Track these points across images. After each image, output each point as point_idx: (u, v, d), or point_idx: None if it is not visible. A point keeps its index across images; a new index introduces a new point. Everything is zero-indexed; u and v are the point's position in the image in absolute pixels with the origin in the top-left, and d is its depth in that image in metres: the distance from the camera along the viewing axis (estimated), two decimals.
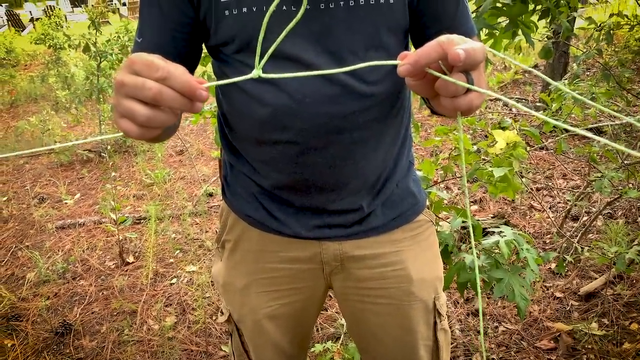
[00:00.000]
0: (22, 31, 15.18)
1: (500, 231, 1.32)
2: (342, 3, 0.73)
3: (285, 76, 0.52)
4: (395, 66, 0.81)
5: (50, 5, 17.51)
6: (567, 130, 3.00)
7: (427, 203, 1.01)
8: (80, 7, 24.80)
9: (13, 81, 7.05)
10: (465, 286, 1.32)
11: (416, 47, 0.86)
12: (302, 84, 0.75)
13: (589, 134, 0.42)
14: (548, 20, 1.42)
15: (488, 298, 2.19)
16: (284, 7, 0.73)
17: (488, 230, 2.01)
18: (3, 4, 22.69)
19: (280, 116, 0.77)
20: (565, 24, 1.44)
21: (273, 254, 0.93)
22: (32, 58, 9.80)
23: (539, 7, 1.32)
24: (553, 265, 2.31)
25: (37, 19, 17.32)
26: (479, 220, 2.64)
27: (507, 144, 1.63)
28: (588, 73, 4.59)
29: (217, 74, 0.86)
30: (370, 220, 0.90)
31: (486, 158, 1.78)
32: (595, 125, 3.26)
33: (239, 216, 0.94)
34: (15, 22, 15.53)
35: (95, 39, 4.16)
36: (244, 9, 0.74)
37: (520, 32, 1.51)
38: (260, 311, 0.95)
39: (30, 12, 18.60)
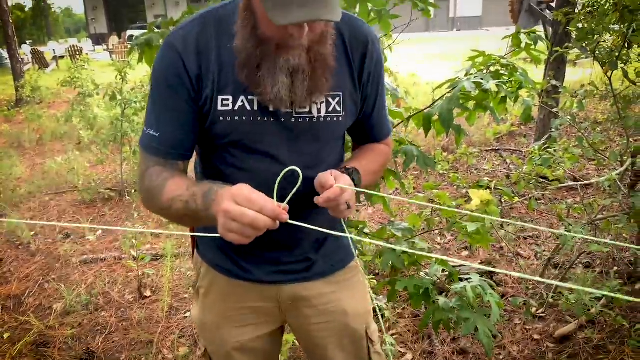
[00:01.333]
0: (45, 69, 15.92)
1: (469, 277, 1.57)
2: (307, 119, 1.04)
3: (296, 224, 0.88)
4: (337, 161, 1.13)
5: (73, 45, 18.34)
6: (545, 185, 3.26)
7: (357, 253, 1.29)
8: (102, 45, 25.93)
9: (39, 120, 7.46)
10: (439, 324, 1.56)
11: (352, 135, 1.24)
12: (261, 176, 1.02)
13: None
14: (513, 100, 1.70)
15: (473, 338, 2.39)
16: (265, 119, 1.01)
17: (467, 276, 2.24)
18: (27, 42, 23.80)
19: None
20: (528, 104, 1.73)
21: (238, 296, 1.17)
22: (55, 96, 10.29)
23: (500, 94, 1.61)
24: (534, 310, 2.52)
25: (61, 57, 18.17)
26: (465, 265, 2.87)
27: (482, 201, 1.89)
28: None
29: (199, 155, 1.14)
30: (314, 268, 1.17)
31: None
32: (585, 182, 3.52)
33: (210, 266, 1.19)
34: (39, 60, 16.29)
35: (121, 87, 4.55)
36: (236, 117, 1.01)
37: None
38: (229, 344, 1.19)
39: (53, 50, 19.40)
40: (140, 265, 3.06)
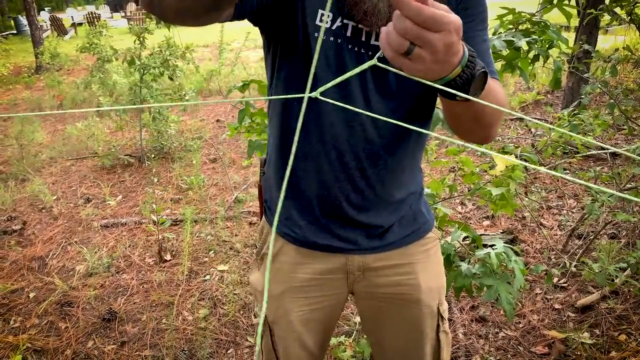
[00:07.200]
0: (64, 36, 15.94)
1: (493, 244, 1.53)
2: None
3: (332, 102, 0.69)
4: (419, 113, 1.00)
5: (91, 12, 18.26)
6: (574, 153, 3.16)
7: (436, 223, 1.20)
8: (120, 12, 25.77)
9: (60, 87, 7.51)
10: (461, 290, 1.53)
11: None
12: (354, 115, 0.94)
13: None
14: (543, 60, 1.62)
15: (492, 306, 2.38)
16: (356, 49, 0.93)
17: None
18: (46, 9, 23.72)
19: (335, 137, 0.96)
20: (558, 65, 1.64)
21: (306, 266, 1.09)
22: (74, 63, 10.32)
23: (531, 52, 1.53)
24: (555, 280, 2.48)
25: (79, 24, 18.14)
26: (488, 234, 2.83)
27: (507, 166, 1.84)
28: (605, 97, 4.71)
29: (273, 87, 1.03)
30: (387, 236, 1.07)
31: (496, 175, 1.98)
32: (615, 150, 3.39)
33: (278, 234, 1.12)
34: (58, 27, 16.30)
35: (140, 52, 4.51)
36: (331, 38, 0.93)
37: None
38: (293, 314, 1.11)
39: (72, 17, 19.34)
40: (160, 229, 3.09)
